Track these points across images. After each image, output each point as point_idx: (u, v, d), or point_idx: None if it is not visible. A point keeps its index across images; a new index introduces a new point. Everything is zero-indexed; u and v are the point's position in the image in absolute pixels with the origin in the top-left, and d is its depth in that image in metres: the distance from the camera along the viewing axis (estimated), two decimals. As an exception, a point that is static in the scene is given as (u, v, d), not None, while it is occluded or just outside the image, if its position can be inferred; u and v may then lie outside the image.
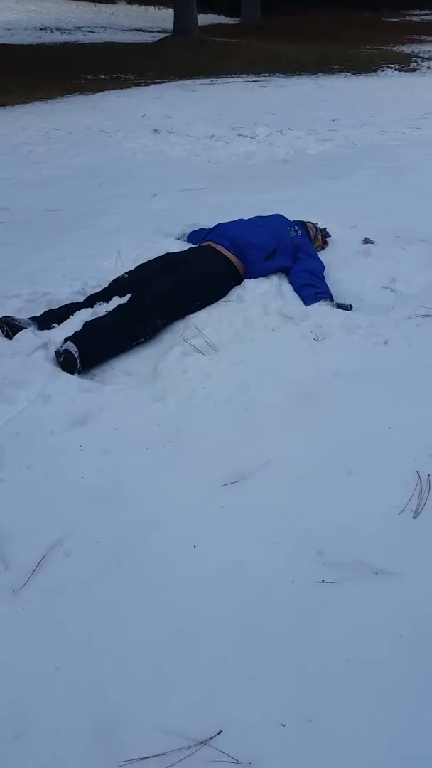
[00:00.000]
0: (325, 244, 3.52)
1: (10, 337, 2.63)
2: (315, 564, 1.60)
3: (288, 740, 1.24)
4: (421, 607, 1.46)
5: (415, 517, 1.70)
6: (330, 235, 3.62)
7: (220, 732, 1.25)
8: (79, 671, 1.38)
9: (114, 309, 2.68)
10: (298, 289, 2.93)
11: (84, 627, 1.47)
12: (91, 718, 1.29)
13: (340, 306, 2.83)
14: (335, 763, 1.20)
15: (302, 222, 3.42)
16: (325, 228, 3.64)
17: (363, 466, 1.89)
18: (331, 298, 2.88)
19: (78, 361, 2.45)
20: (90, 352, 2.50)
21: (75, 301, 2.90)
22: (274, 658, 1.39)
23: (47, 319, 2.75)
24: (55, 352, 2.49)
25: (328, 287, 2.98)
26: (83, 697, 1.32)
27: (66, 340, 2.52)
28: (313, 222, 3.55)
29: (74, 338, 2.51)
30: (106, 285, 2.95)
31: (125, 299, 2.74)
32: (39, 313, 2.82)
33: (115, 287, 2.88)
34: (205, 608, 1.51)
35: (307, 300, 2.84)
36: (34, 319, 2.77)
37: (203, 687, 1.34)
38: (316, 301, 2.81)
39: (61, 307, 2.84)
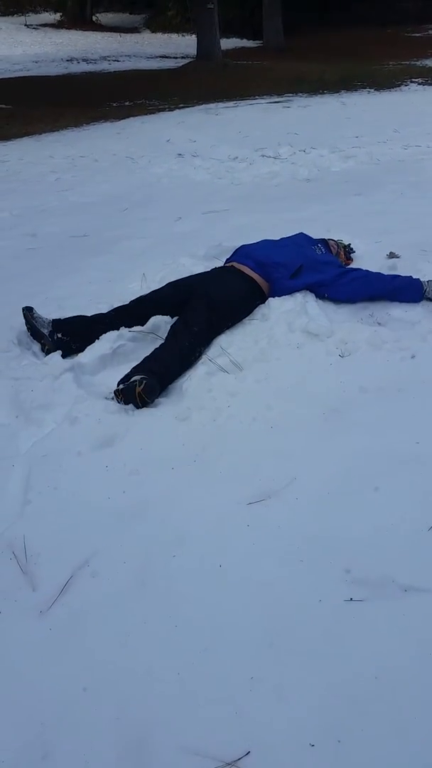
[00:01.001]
0: (349, 260, 3.52)
1: (27, 330, 2.89)
2: (343, 582, 1.58)
3: (317, 761, 1.22)
4: (451, 624, 1.43)
5: (444, 533, 1.67)
6: (354, 251, 3.61)
7: (248, 753, 1.24)
8: (106, 692, 1.38)
9: (170, 343, 2.66)
10: (392, 284, 2.94)
11: (110, 647, 1.47)
12: (117, 738, 1.29)
13: None
14: (366, 785, 1.18)
15: (324, 240, 3.43)
16: (349, 244, 3.63)
17: (390, 482, 1.87)
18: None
19: (158, 388, 2.44)
20: (164, 383, 2.53)
21: (102, 313, 2.97)
22: (303, 678, 1.37)
23: (65, 326, 2.83)
24: (128, 383, 2.41)
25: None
26: (110, 718, 1.32)
27: (131, 375, 2.47)
28: (336, 239, 3.55)
29: (144, 370, 2.48)
30: (129, 303, 3.00)
31: (170, 330, 2.76)
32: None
33: (138, 308, 2.92)
34: (231, 628, 1.50)
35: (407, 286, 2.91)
36: (56, 321, 2.86)
37: (230, 707, 1.33)
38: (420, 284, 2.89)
39: (90, 317, 2.93)
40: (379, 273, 3.02)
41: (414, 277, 2.96)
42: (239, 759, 1.23)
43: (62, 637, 1.51)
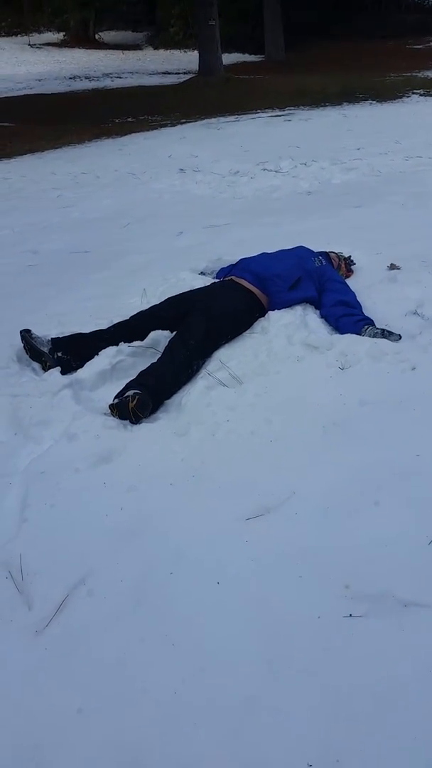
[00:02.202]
0: (350, 272, 3.51)
1: (26, 352, 2.85)
2: (342, 598, 1.56)
3: (315, 783, 1.20)
4: (451, 641, 1.41)
5: (444, 547, 1.65)
6: (354, 263, 3.61)
7: (245, 775, 1.22)
8: (101, 713, 1.36)
9: (166, 357, 2.67)
10: (337, 324, 2.89)
11: (106, 668, 1.46)
12: (113, 759, 1.27)
13: (387, 334, 2.73)
14: (365, 808, 1.15)
15: (325, 252, 3.43)
16: (350, 256, 3.63)
17: (390, 496, 1.85)
18: (372, 324, 2.83)
19: (151, 403, 2.44)
20: (159, 398, 2.53)
21: (101, 329, 2.96)
22: (301, 697, 1.35)
23: (65, 344, 2.82)
24: (121, 398, 2.42)
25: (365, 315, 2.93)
26: (105, 739, 1.31)
27: (125, 390, 2.48)
28: (336, 251, 3.55)
29: (138, 386, 2.48)
30: (129, 318, 3.00)
31: (167, 344, 2.76)
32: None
33: (138, 323, 2.93)
34: (229, 646, 1.48)
35: (347, 330, 2.80)
36: (55, 340, 2.85)
37: (228, 727, 1.31)
38: (357, 330, 2.77)
39: (89, 334, 2.92)
40: (354, 315, 2.91)
41: (372, 323, 2.85)
42: (236, 781, 1.21)
43: (58, 657, 1.49)
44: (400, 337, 2.72)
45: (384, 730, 1.27)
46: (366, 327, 2.79)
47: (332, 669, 1.40)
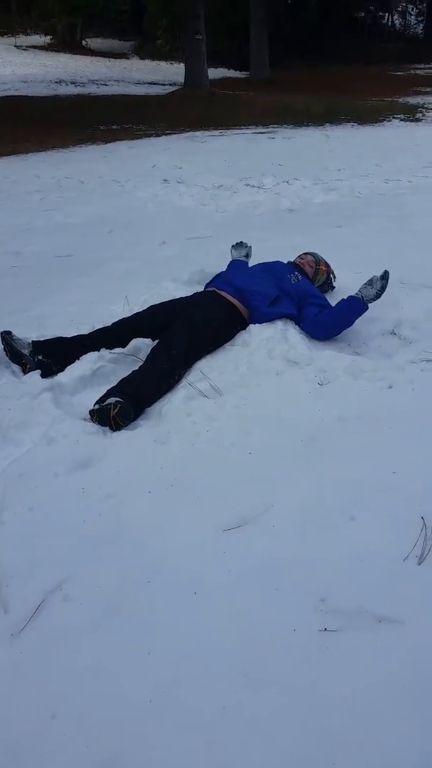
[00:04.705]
0: (329, 269, 3.56)
1: (6, 353, 2.81)
2: (317, 612, 1.57)
3: (288, 795, 1.21)
4: (425, 655, 1.43)
5: (419, 564, 1.68)
6: (335, 277, 3.65)
7: (219, 785, 1.22)
8: (77, 719, 1.35)
9: (148, 365, 2.68)
10: (327, 316, 3.03)
11: (81, 673, 1.45)
12: (88, 766, 1.26)
13: (379, 281, 3.00)
14: None
15: (299, 266, 3.46)
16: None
17: (367, 512, 1.88)
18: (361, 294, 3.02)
19: (132, 412, 2.44)
20: (140, 406, 2.53)
21: (83, 334, 2.97)
22: (276, 708, 1.36)
23: (45, 348, 2.81)
24: (103, 405, 2.43)
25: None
26: (80, 745, 1.30)
27: (106, 397, 2.48)
28: (312, 253, 3.59)
29: (119, 393, 2.48)
30: (111, 324, 3.00)
31: (150, 352, 2.77)
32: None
33: (120, 330, 2.93)
34: (205, 656, 1.48)
35: (341, 307, 3.01)
36: (36, 343, 2.83)
37: (202, 737, 1.31)
38: (354, 301, 2.98)
39: (71, 339, 2.91)
40: (335, 310, 3.07)
41: (348, 296, 3.06)
42: (210, 790, 1.21)
43: (33, 661, 1.48)
44: (387, 272, 3.01)
45: (357, 741, 1.28)
46: (360, 296, 2.99)
47: (307, 681, 1.41)
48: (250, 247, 3.88)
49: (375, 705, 1.35)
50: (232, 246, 3.87)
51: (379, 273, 3.02)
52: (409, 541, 1.74)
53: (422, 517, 1.81)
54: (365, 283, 3.02)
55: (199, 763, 1.26)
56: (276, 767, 1.25)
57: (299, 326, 3.08)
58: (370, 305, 3.00)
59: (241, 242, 3.87)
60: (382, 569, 1.68)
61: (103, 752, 1.29)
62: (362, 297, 2.98)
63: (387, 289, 3.03)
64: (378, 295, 2.99)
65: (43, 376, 2.69)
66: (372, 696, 1.37)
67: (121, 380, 2.58)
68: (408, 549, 1.72)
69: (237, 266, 3.59)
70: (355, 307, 2.97)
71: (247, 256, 3.82)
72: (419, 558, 1.70)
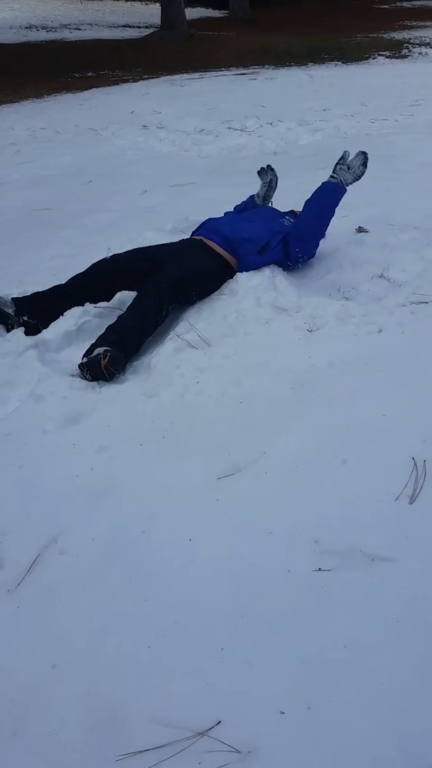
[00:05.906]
0: None
1: None
2: (312, 553, 1.59)
3: (287, 728, 1.24)
4: (417, 591, 1.46)
5: (411, 503, 1.70)
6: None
7: (219, 722, 1.26)
8: (76, 667, 1.38)
9: (133, 304, 2.65)
10: (305, 223, 3.08)
11: (80, 624, 1.47)
12: (88, 712, 1.29)
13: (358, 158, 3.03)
14: (335, 749, 1.20)
15: (292, 211, 3.41)
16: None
17: (358, 455, 1.88)
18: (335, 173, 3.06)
19: (123, 358, 2.42)
20: (128, 351, 2.51)
21: (60, 284, 2.91)
22: (272, 647, 1.39)
23: (29, 307, 2.76)
24: (91, 357, 2.39)
25: None
26: (81, 693, 1.32)
27: (93, 348, 2.44)
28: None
29: (105, 342, 2.46)
30: (87, 269, 2.93)
31: (136, 294, 2.73)
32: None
33: (101, 274, 2.88)
34: (202, 600, 1.51)
35: (320, 191, 3.07)
36: (17, 300, 2.79)
37: (201, 678, 1.34)
38: (333, 185, 3.05)
39: (48, 290, 2.85)
40: (312, 200, 3.15)
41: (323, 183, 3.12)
42: (210, 728, 1.24)
43: (31, 615, 1.50)
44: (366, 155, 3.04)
45: (353, 678, 1.31)
46: (339, 180, 3.04)
47: (303, 620, 1.43)
48: (275, 174, 3.68)
49: (370, 640, 1.37)
50: (258, 171, 3.69)
51: (353, 152, 3.06)
52: (400, 481, 1.76)
53: (413, 458, 1.82)
54: (340, 164, 3.05)
55: (199, 704, 1.29)
56: (274, 704, 1.28)
57: (289, 268, 3.04)
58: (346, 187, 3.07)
59: (269, 166, 3.67)
60: (375, 510, 1.69)
61: (103, 698, 1.32)
62: (341, 181, 3.02)
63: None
64: (356, 180, 3.04)
65: (27, 333, 2.65)
66: (367, 632, 1.39)
67: (107, 327, 2.54)
68: (399, 489, 1.73)
69: (230, 215, 3.50)
70: (339, 191, 3.04)
71: (271, 182, 3.65)
72: (410, 497, 1.71)
